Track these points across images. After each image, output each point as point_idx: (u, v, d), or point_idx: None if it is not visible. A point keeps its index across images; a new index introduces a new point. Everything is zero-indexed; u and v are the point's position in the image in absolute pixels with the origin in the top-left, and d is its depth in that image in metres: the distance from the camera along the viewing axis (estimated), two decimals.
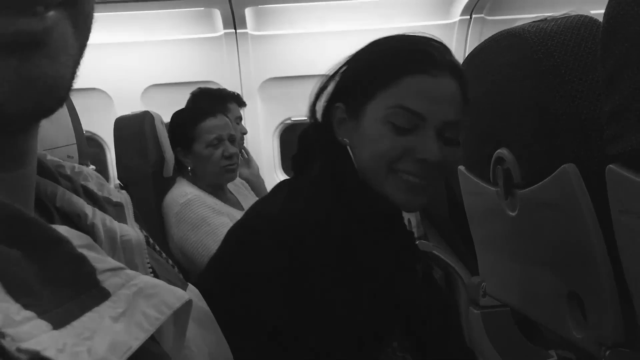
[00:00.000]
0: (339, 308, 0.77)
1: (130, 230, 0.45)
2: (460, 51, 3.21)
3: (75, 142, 1.42)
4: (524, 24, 0.88)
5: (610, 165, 0.65)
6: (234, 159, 1.83)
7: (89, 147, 3.81)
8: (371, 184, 0.84)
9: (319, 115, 0.93)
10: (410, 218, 1.87)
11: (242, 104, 2.46)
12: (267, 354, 0.75)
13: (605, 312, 0.75)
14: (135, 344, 0.30)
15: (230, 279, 0.81)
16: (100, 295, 0.32)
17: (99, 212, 0.44)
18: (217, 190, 1.87)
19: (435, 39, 0.88)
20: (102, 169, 3.81)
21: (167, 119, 2.00)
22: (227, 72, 3.18)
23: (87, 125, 3.44)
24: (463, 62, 1.09)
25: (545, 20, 0.86)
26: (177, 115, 1.95)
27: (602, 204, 0.73)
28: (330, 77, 0.93)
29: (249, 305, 0.77)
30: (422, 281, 1.09)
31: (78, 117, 1.54)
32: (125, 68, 3.29)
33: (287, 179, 0.97)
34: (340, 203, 0.83)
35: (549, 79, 0.79)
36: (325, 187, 0.85)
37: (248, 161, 2.44)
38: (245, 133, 2.47)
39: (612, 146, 0.65)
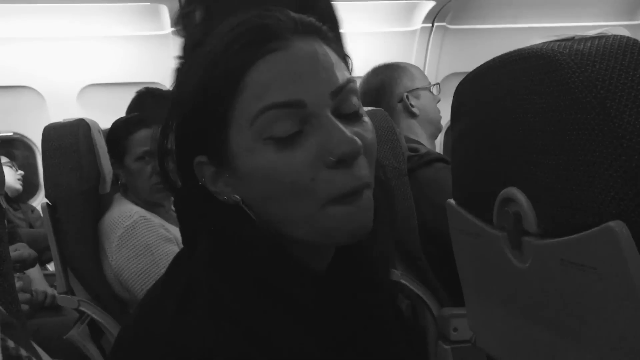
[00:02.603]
0: None
1: None
2: (420, 60, 3.11)
3: None
4: (547, 43, 0.73)
5: None
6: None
7: (17, 149, 3.51)
8: (295, 239, 0.62)
9: (177, 179, 0.68)
10: None
11: None
12: None
13: None
14: None
15: None
16: None
17: None
18: (158, 207, 1.73)
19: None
20: (32, 174, 3.52)
21: (108, 123, 1.84)
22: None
23: (16, 127, 3.17)
24: (457, 87, 0.94)
25: (574, 39, 0.71)
26: (114, 124, 1.80)
27: None
28: (165, 129, 0.67)
29: None
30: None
31: None
32: (60, 65, 3.02)
33: (185, 252, 0.70)
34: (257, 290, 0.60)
35: (588, 114, 0.64)
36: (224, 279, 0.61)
37: None
38: None
39: None
